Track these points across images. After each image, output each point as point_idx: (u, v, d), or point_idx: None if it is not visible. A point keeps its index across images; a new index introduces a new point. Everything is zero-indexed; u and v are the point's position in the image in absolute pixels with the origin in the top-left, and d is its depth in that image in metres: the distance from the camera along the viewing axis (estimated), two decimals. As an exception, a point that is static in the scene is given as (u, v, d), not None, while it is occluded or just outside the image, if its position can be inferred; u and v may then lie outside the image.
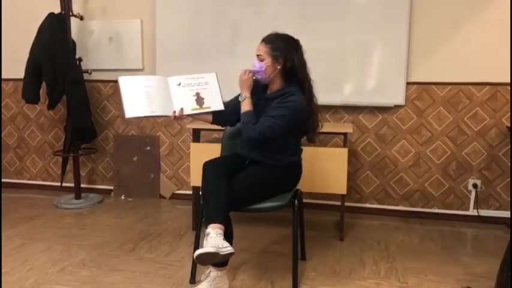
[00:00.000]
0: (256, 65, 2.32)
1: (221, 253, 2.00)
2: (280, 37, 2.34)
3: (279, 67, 2.31)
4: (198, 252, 1.99)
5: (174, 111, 2.35)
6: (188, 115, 2.41)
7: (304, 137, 2.49)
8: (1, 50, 4.25)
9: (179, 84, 2.40)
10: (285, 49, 2.30)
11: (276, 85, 2.37)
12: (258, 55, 2.33)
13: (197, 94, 2.40)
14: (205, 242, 2.04)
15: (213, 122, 2.50)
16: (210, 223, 2.09)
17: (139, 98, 2.29)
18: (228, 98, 2.52)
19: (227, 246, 2.03)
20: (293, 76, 2.32)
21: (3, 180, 4.50)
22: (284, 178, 2.42)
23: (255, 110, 2.35)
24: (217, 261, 2.08)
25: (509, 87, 3.32)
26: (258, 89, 2.43)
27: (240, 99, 2.38)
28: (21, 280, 2.44)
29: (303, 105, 2.30)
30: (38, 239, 3.08)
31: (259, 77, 2.36)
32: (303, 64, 2.35)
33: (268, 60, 2.30)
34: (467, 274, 2.57)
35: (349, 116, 3.64)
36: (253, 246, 2.96)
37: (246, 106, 2.33)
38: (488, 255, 2.84)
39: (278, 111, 2.27)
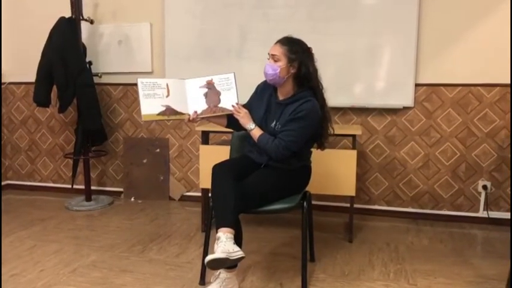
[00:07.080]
0: (270, 68, 2.28)
1: (231, 258, 2.03)
2: (297, 41, 2.31)
3: (292, 71, 2.28)
4: (208, 258, 2.02)
5: (191, 114, 2.35)
6: (203, 118, 2.41)
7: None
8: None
9: (196, 87, 2.38)
10: (301, 54, 2.27)
11: (288, 89, 2.34)
12: (273, 55, 2.28)
13: (215, 96, 2.38)
14: (215, 246, 2.06)
15: (227, 126, 2.49)
16: (220, 227, 2.11)
17: (156, 99, 2.30)
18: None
19: (237, 251, 2.05)
20: (306, 82, 2.30)
21: (15, 182, 4.57)
22: (294, 181, 2.42)
23: (265, 115, 2.36)
24: (228, 265, 2.11)
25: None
26: (267, 92, 2.43)
27: (248, 130, 2.35)
28: (33, 281, 2.47)
29: (317, 111, 2.29)
30: (50, 240, 3.11)
31: (271, 81, 2.32)
32: (316, 72, 2.32)
33: (283, 62, 2.25)
34: (478, 276, 2.56)
35: (358, 118, 3.64)
36: (263, 248, 2.97)
37: (257, 133, 2.33)
38: (498, 257, 2.82)
39: (297, 123, 2.25)
